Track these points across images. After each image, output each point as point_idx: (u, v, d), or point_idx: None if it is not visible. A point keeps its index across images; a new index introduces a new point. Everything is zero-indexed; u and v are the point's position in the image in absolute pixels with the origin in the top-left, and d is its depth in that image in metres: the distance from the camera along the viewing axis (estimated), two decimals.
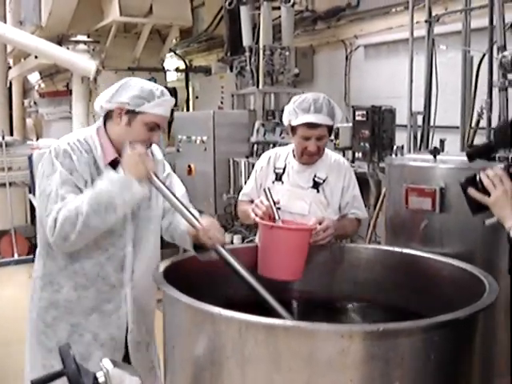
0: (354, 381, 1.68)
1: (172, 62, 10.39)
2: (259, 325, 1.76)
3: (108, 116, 2.43)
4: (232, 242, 5.75)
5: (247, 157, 6.01)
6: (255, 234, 5.26)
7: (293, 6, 6.12)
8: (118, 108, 2.37)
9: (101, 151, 2.41)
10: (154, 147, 2.59)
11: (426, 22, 3.88)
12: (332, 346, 1.68)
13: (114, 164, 2.40)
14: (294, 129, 2.96)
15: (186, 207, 2.36)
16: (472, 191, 2.06)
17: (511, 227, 1.87)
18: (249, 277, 2.32)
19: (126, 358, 2.51)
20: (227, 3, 6.38)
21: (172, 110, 2.57)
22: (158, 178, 2.32)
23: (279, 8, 6.33)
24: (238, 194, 5.68)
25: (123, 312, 2.50)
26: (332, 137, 4.62)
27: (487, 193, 2.01)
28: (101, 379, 1.62)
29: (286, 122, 3.00)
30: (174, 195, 2.36)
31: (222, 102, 7.34)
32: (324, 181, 3.01)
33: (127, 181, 2.23)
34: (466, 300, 1.94)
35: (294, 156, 3.08)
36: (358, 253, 2.78)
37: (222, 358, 1.80)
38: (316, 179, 3.01)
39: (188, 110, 9.26)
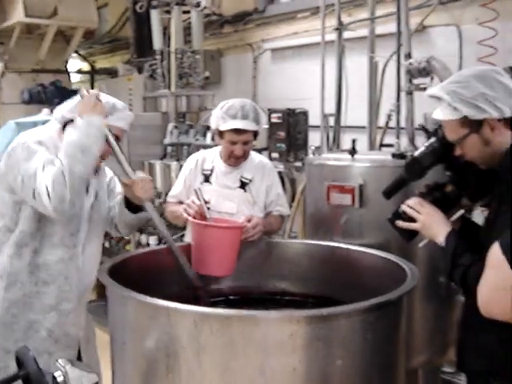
0: (303, 361, 1.85)
1: (74, 64, 10.21)
2: (214, 315, 1.90)
3: (67, 125, 2.45)
4: (148, 244, 5.77)
5: (161, 158, 6.07)
6: (172, 235, 5.33)
7: (202, 10, 6.23)
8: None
9: None
10: None
11: (336, 29, 4.11)
12: (281, 331, 1.84)
13: None
14: (221, 133, 3.10)
15: (126, 158, 2.52)
16: (399, 223, 2.28)
17: (442, 241, 2.11)
18: (167, 233, 2.63)
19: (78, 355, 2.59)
20: (138, 6, 6.39)
21: None
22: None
23: (188, 12, 6.42)
24: (157, 195, 5.73)
25: (80, 310, 2.57)
26: None
27: (413, 220, 2.23)
28: (59, 379, 1.63)
29: (213, 126, 3.13)
30: (120, 147, 2.49)
31: (130, 105, 7.31)
32: (250, 181, 3.17)
33: (89, 120, 2.33)
34: (387, 286, 2.14)
35: (220, 158, 3.22)
36: (285, 247, 2.96)
37: (178, 349, 1.91)
38: (243, 179, 3.17)
39: None
